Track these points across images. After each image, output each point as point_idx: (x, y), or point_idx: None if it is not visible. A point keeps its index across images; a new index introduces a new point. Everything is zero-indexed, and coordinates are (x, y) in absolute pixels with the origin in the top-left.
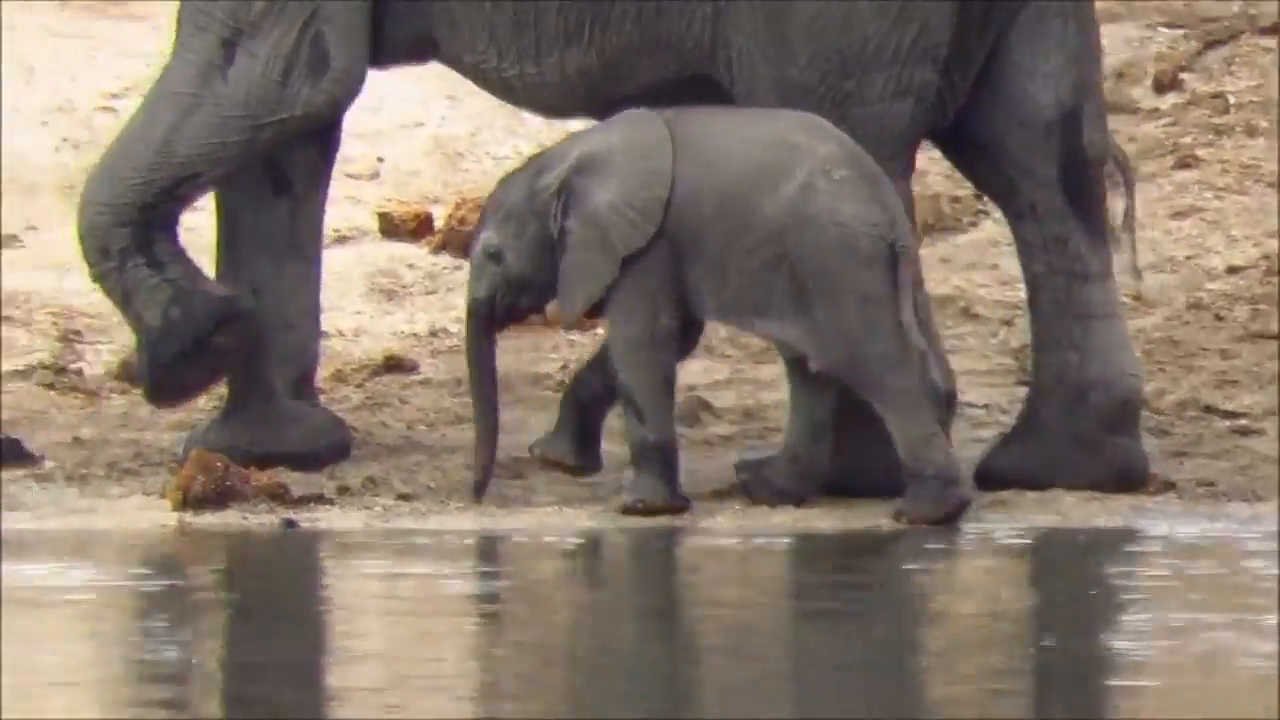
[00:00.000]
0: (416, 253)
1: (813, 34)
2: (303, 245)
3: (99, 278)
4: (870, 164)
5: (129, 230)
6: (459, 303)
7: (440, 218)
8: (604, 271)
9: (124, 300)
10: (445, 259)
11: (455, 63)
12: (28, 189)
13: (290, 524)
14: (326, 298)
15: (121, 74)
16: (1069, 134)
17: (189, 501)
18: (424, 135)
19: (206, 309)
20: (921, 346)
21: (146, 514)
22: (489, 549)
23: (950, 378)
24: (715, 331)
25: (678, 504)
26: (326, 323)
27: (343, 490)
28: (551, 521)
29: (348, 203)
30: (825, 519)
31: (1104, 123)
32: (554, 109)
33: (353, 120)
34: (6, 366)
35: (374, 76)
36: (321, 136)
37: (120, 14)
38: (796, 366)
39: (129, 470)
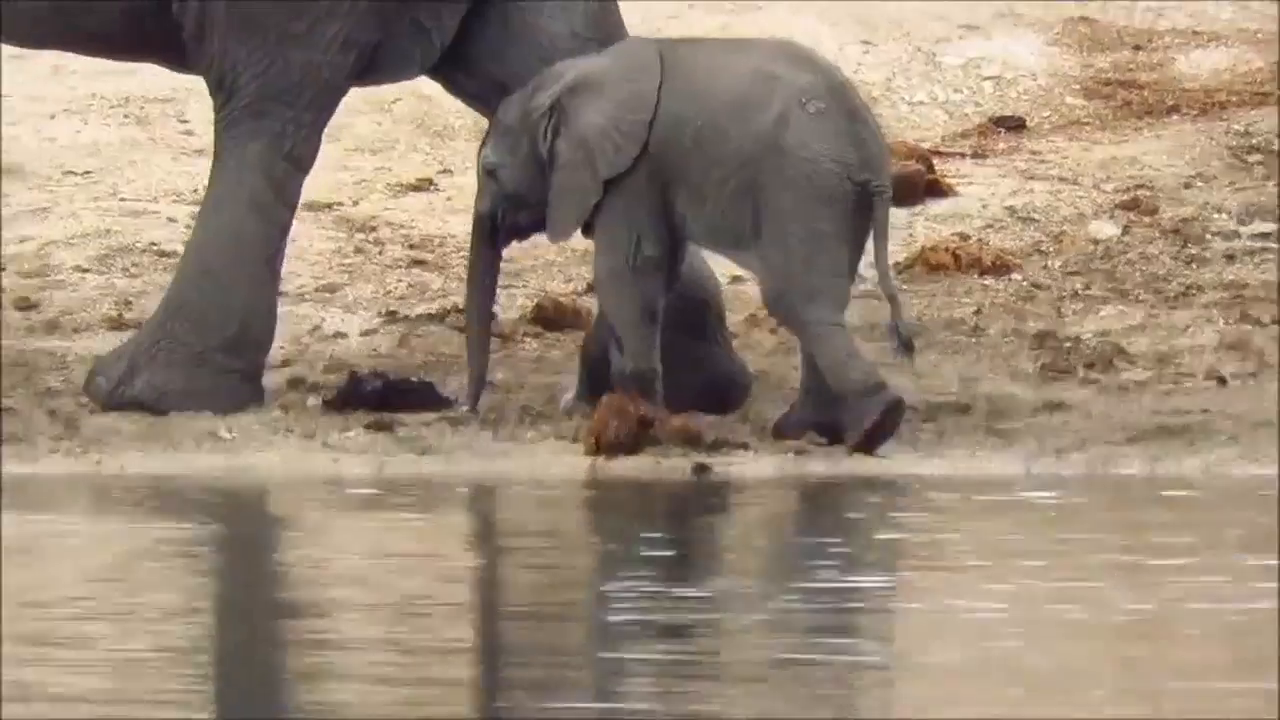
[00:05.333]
0: None
1: None
2: None
3: None
4: (853, 99)
5: None
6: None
7: None
8: (589, 192)
9: None
10: None
11: None
12: (441, 133)
13: (702, 469)
14: None
15: None
16: None
17: (602, 447)
18: None
19: None
20: (892, 292)
21: (560, 459)
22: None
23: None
24: (1130, 276)
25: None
26: (741, 268)
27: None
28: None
29: None
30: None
31: None
32: (25, 39)
33: None
34: (420, 310)
35: (787, 23)
36: None
37: None
38: None
39: (542, 414)
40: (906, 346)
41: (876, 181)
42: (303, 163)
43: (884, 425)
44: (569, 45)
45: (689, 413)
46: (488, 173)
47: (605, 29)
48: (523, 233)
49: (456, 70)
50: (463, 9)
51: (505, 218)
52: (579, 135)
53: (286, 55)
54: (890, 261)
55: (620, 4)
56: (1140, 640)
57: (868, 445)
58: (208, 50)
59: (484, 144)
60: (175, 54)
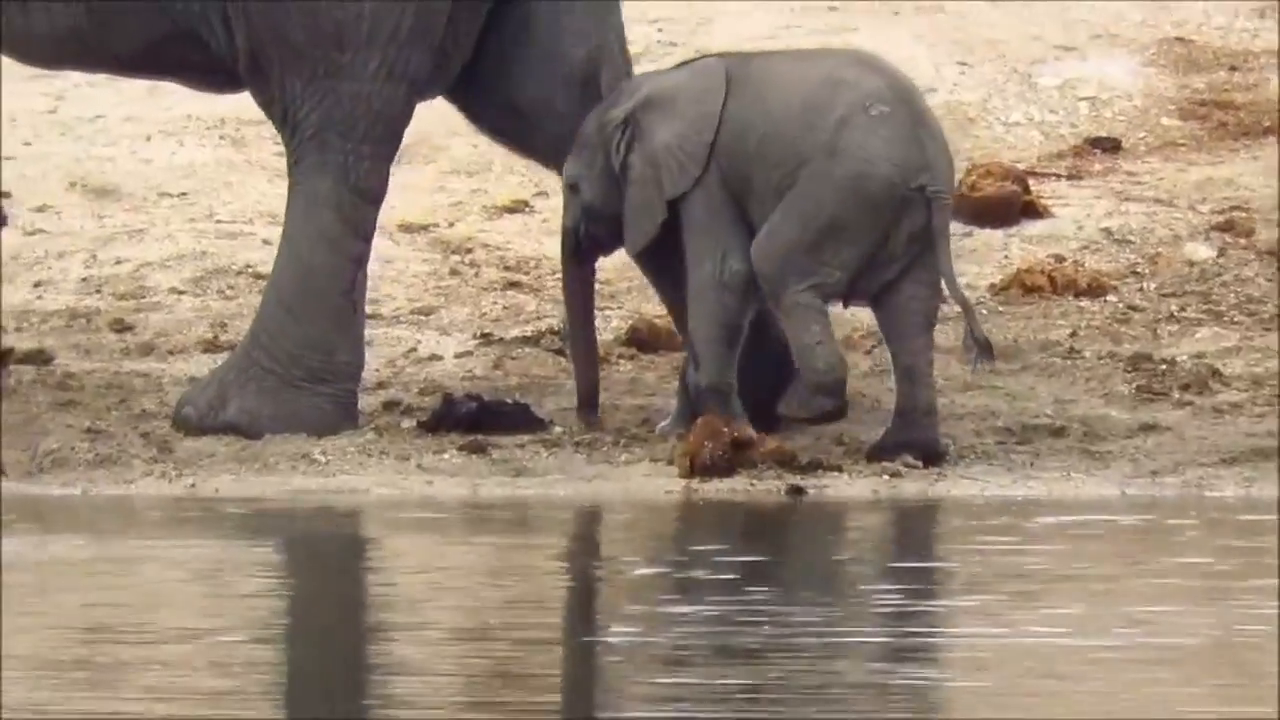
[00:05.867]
0: None
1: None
2: None
3: None
4: (920, 105)
5: None
6: (969, 269)
7: None
8: (656, 210)
9: None
10: (955, 225)
11: None
12: None
13: (797, 491)
14: None
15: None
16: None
17: (697, 469)
18: (936, 101)
19: None
20: (962, 298)
21: (654, 481)
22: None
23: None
24: (1225, 298)
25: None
26: None
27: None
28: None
29: None
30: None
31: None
32: (45, 61)
33: None
34: (515, 332)
35: (883, 43)
36: None
37: None
38: None
39: (636, 437)
40: (985, 352)
41: (934, 187)
42: (370, 193)
43: (814, 422)
44: (585, 70)
45: (782, 434)
46: (569, 187)
47: (613, 53)
48: (606, 247)
49: (474, 99)
50: (475, 32)
51: (587, 231)
52: (650, 151)
53: (336, 88)
54: (956, 272)
55: (714, 22)
56: (1187, 667)
57: (784, 423)
58: (268, 86)
59: (569, 159)
60: (197, 76)
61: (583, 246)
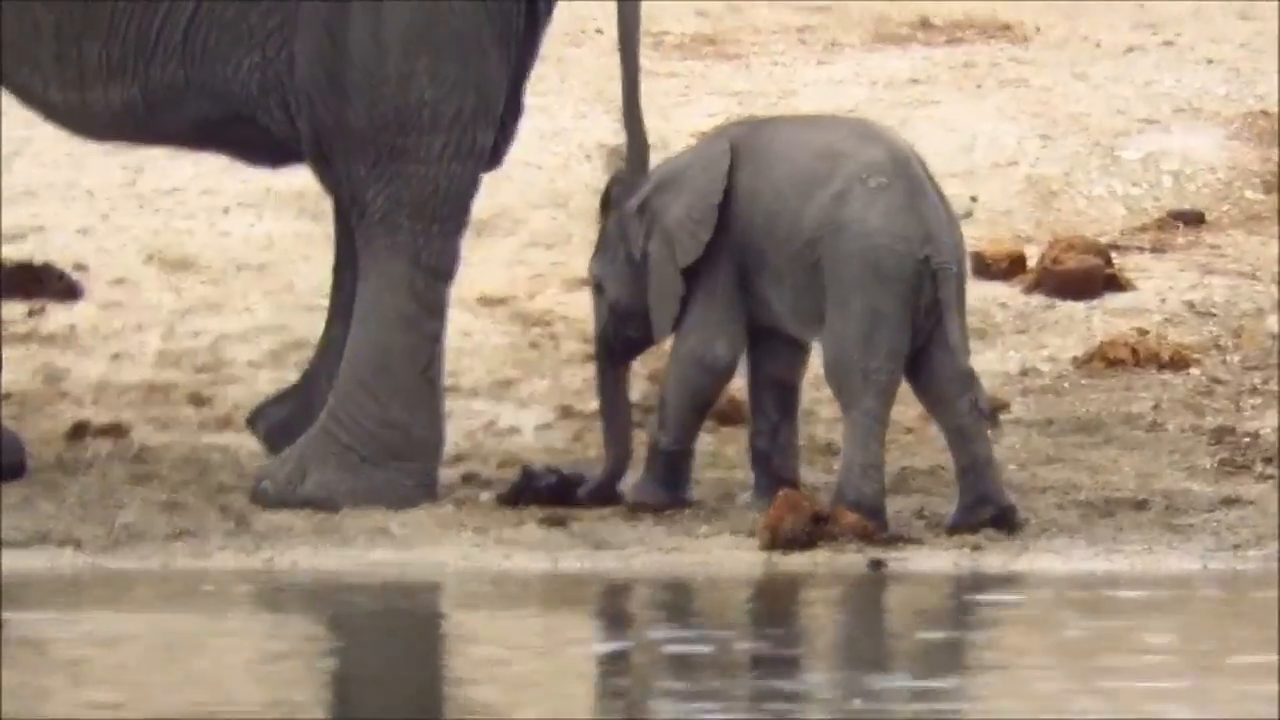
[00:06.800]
0: (1009, 292)
1: (369, 88)
2: None
3: None
4: (917, 173)
5: None
6: (1051, 342)
7: (1033, 257)
8: (675, 285)
9: None
10: (1038, 299)
11: (5, 83)
12: None
13: (878, 564)
14: None
15: (713, 112)
16: None
17: (777, 541)
18: (1018, 174)
19: None
20: (967, 368)
21: (734, 554)
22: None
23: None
24: None
25: (676, 505)
26: None
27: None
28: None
29: None
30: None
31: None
32: (99, 135)
33: (946, 159)
34: (595, 405)
35: (966, 116)
36: None
37: (713, 54)
38: None
39: (717, 510)
40: (989, 418)
41: (939, 258)
42: (443, 271)
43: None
44: None
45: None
46: (595, 288)
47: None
48: (639, 346)
49: None
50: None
51: (616, 332)
52: (665, 229)
53: (403, 170)
54: (963, 331)
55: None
56: None
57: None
58: (332, 170)
59: (592, 259)
60: (251, 152)
61: (615, 350)
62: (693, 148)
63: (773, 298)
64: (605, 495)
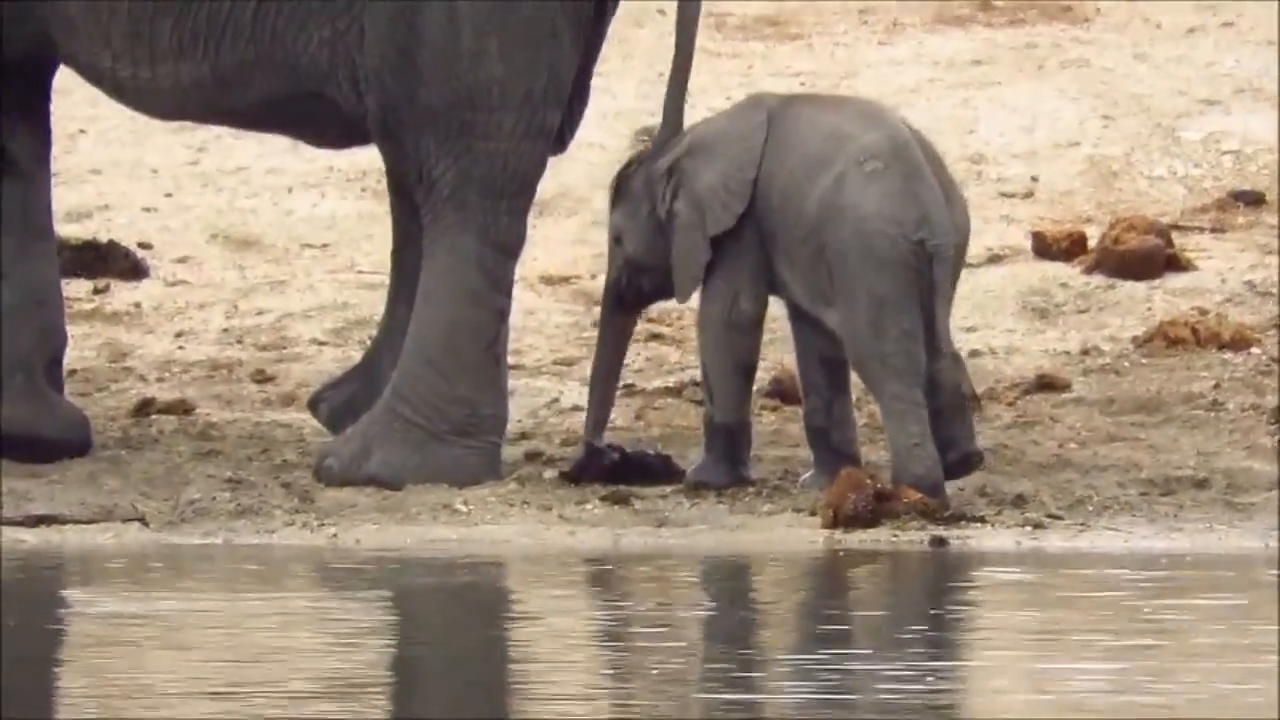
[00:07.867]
0: (1069, 272)
1: (441, 65)
2: (41, 223)
3: None
4: (915, 157)
5: None
6: (1112, 322)
7: (1094, 237)
8: (701, 251)
9: None
10: (1098, 279)
11: (71, 62)
12: None
13: (940, 542)
14: (980, 316)
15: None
16: None
17: (840, 520)
18: (1079, 155)
19: None
20: (952, 350)
21: (796, 532)
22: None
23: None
24: None
25: (737, 484)
26: (978, 341)
27: (995, 507)
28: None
29: (1002, 222)
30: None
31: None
32: (166, 114)
33: (1007, 140)
34: (657, 383)
35: (1027, 97)
36: (36, 114)
37: (775, 35)
38: None
39: (779, 488)
40: (972, 400)
41: (934, 240)
42: (510, 248)
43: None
44: None
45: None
46: (614, 239)
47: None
48: (648, 298)
49: None
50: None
51: (629, 283)
52: (695, 195)
53: (473, 146)
54: (947, 315)
55: (859, 75)
56: None
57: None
58: (401, 146)
59: (613, 211)
60: (317, 132)
61: (625, 299)
62: (727, 112)
63: (788, 276)
64: (585, 467)
